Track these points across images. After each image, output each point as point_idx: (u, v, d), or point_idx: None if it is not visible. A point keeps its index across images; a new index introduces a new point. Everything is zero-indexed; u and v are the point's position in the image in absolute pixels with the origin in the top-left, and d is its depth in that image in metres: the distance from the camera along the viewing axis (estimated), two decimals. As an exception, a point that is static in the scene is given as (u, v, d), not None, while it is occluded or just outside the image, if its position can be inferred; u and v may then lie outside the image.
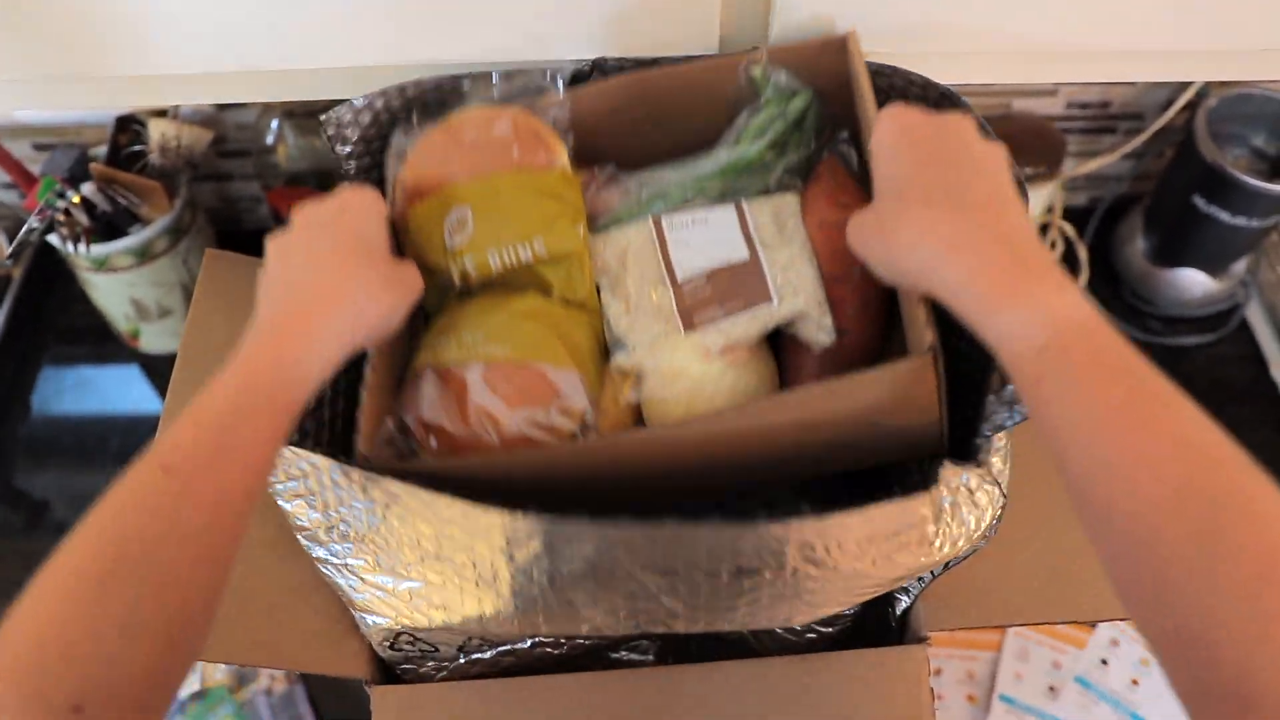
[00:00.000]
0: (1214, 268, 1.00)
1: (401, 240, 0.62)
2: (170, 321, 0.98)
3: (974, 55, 0.62)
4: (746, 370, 0.59)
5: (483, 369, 0.55)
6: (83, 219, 0.83)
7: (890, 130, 0.51)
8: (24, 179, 0.90)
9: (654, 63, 0.64)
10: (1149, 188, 1.06)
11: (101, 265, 0.90)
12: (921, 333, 0.50)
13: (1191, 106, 0.96)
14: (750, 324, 0.58)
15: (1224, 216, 0.93)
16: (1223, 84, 0.96)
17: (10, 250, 0.84)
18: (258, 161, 0.96)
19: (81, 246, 0.85)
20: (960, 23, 0.59)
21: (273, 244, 0.54)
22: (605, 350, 0.61)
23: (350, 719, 0.83)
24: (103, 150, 0.91)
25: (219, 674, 0.84)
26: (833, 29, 0.61)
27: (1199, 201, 0.94)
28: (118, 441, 0.98)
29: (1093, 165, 1.02)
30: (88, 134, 0.99)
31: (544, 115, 0.63)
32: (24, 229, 0.81)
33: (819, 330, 0.60)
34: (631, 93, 0.65)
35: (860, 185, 0.62)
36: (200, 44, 0.61)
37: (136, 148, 0.87)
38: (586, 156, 0.63)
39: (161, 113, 0.91)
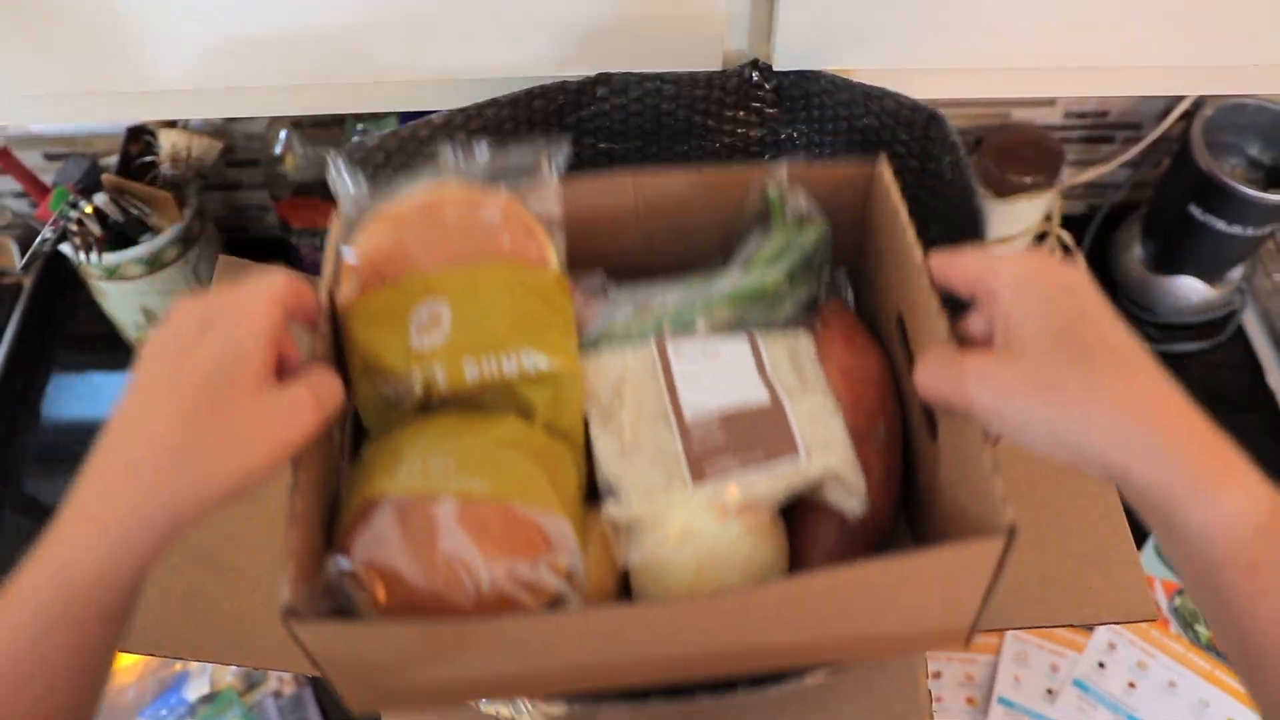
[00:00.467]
0: (1210, 275, 1.02)
1: (344, 332, 0.52)
2: (180, 329, 1.00)
3: (969, 72, 0.63)
4: (764, 538, 0.51)
5: (456, 506, 0.45)
6: (95, 229, 0.84)
7: (1034, 274, 0.43)
8: (36, 189, 0.91)
9: (659, 78, 0.63)
10: (1146, 196, 1.07)
11: (112, 274, 0.91)
12: (998, 507, 0.43)
13: (1188, 116, 0.97)
14: (774, 480, 0.50)
15: (1220, 225, 0.94)
16: (1219, 95, 0.97)
17: (24, 260, 0.85)
18: (266, 171, 0.98)
19: (94, 256, 0.87)
20: (955, 39, 0.60)
21: (134, 367, 0.44)
22: (586, 494, 0.52)
23: (358, 721, 0.84)
24: (114, 160, 0.92)
25: (229, 677, 0.85)
26: (833, 47, 0.62)
27: (1195, 210, 0.95)
28: (127, 447, 0.99)
29: (1090, 174, 1.04)
30: (99, 144, 1.00)
31: (532, 201, 0.55)
32: (38, 239, 0.82)
33: (850, 495, 0.52)
34: (625, 190, 0.59)
35: (867, 328, 0.59)
36: (210, 59, 0.63)
37: (147, 158, 0.89)
38: (569, 259, 0.57)
39: (172, 124, 0.92)
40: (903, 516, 0.60)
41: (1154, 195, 1.03)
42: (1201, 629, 0.87)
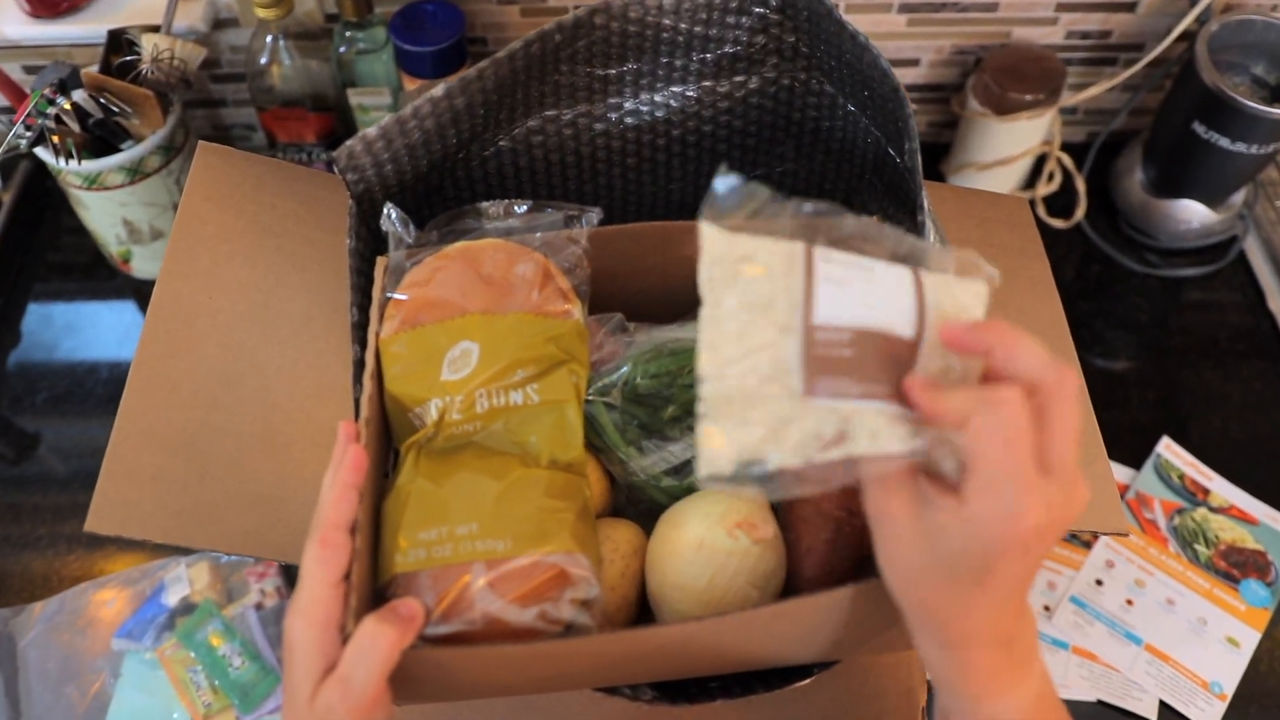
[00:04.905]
0: (1213, 198, 1.00)
1: (382, 361, 0.57)
2: (162, 244, 0.98)
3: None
4: (767, 550, 0.55)
5: (485, 570, 0.49)
6: (74, 126, 0.82)
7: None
8: (15, 95, 0.89)
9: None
10: (1147, 124, 1.05)
11: (93, 183, 0.89)
12: None
13: (1191, 36, 0.95)
14: (887, 426, 0.43)
15: (1223, 143, 0.93)
16: (1224, 10, 0.95)
17: (-1, 159, 0.82)
18: (251, 83, 0.95)
19: (73, 161, 0.85)
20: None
21: None
22: (594, 517, 0.57)
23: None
24: (95, 69, 0.90)
25: (207, 590, 0.83)
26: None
27: (1198, 128, 0.93)
28: (107, 369, 0.98)
29: (1093, 91, 1.01)
30: (79, 56, 0.98)
31: (563, 254, 0.60)
32: (10, 134, 0.80)
33: (949, 457, 0.44)
34: (645, 240, 0.64)
35: None
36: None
37: (129, 58, 0.86)
38: (593, 299, 0.62)
39: (154, 29, 0.90)
40: None
41: (1157, 115, 1.01)
42: (1200, 548, 0.85)
